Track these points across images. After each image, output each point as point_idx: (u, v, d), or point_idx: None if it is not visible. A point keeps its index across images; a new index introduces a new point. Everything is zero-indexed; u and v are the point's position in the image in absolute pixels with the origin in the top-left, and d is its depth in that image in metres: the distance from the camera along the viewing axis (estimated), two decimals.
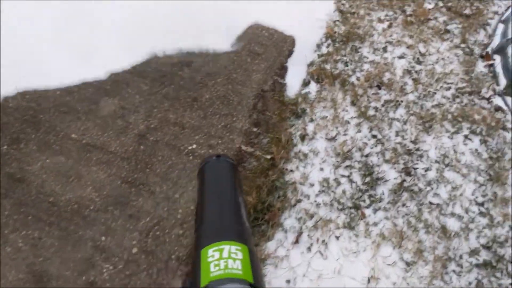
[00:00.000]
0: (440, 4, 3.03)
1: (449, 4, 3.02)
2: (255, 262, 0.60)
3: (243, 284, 0.54)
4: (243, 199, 0.79)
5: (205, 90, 2.36)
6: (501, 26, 2.83)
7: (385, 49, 2.72)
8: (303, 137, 2.22)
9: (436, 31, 2.85)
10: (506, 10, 2.97)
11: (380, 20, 2.91)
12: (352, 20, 2.90)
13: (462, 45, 2.77)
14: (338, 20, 2.90)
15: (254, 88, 2.40)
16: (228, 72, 2.47)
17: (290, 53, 2.66)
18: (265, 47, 2.63)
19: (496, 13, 2.99)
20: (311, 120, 2.30)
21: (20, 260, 1.71)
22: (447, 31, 2.86)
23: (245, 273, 0.57)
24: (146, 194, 1.93)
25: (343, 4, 3.03)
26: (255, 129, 2.23)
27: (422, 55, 2.71)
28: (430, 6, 3.01)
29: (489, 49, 2.74)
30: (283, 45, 2.67)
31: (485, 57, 2.71)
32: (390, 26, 2.88)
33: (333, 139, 2.22)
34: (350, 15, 2.94)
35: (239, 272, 0.57)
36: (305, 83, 2.50)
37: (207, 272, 0.57)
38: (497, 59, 2.66)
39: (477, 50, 2.76)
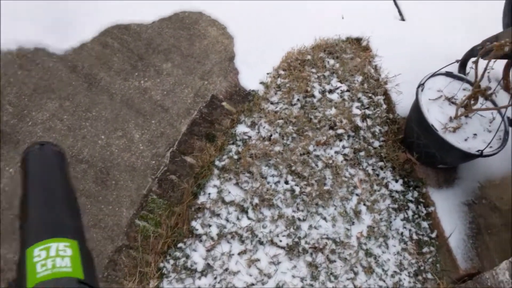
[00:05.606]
0: None
1: None
2: (87, 257, 0.55)
3: (71, 282, 0.49)
4: (72, 190, 0.69)
5: None
6: None
7: None
8: None
9: None
10: None
11: None
12: None
13: None
14: None
15: None
16: None
17: None
18: None
19: None
20: None
21: None
22: None
23: (75, 270, 0.52)
24: None
25: None
26: None
27: None
28: None
29: None
30: None
31: None
32: None
33: None
34: None
35: (68, 270, 0.51)
36: None
37: (33, 274, 0.51)
38: None
39: None
